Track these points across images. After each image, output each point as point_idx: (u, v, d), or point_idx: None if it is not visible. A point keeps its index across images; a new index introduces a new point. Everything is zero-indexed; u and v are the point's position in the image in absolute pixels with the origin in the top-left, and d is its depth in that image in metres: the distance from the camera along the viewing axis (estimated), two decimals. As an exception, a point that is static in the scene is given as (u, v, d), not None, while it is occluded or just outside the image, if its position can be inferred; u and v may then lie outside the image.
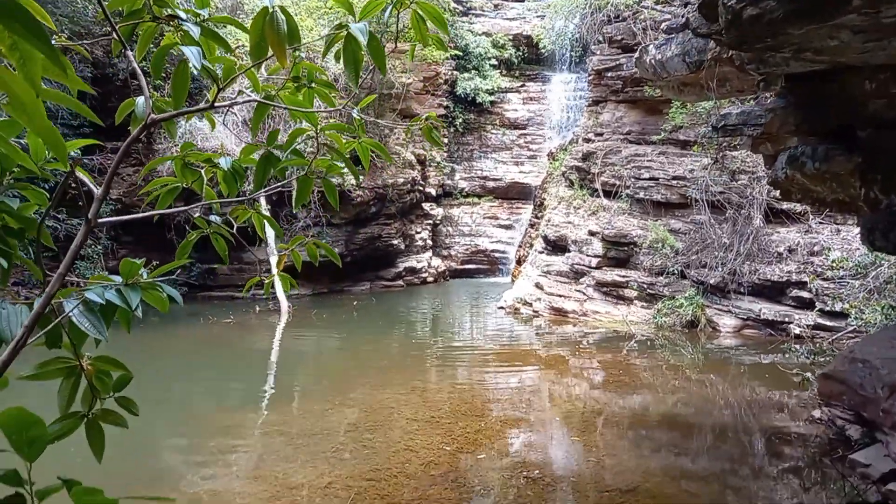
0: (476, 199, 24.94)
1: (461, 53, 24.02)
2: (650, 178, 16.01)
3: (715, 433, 8.69)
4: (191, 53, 1.53)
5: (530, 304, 16.36)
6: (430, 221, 23.37)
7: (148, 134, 17.23)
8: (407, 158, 21.55)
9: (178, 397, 9.93)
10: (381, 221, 20.89)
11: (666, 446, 7.97)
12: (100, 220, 1.54)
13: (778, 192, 6.83)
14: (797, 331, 12.67)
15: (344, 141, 2.17)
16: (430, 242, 23.24)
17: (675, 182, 15.62)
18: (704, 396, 10.41)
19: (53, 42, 1.50)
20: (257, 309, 17.31)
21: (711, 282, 13.93)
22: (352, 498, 6.10)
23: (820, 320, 12.46)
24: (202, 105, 1.75)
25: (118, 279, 1.79)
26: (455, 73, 24.00)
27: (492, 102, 24.62)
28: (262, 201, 15.30)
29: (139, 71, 1.58)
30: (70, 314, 1.64)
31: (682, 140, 16.06)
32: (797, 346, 11.53)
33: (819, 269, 12.73)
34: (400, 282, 21.69)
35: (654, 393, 10.49)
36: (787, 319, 13.01)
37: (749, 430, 8.95)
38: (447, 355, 13.11)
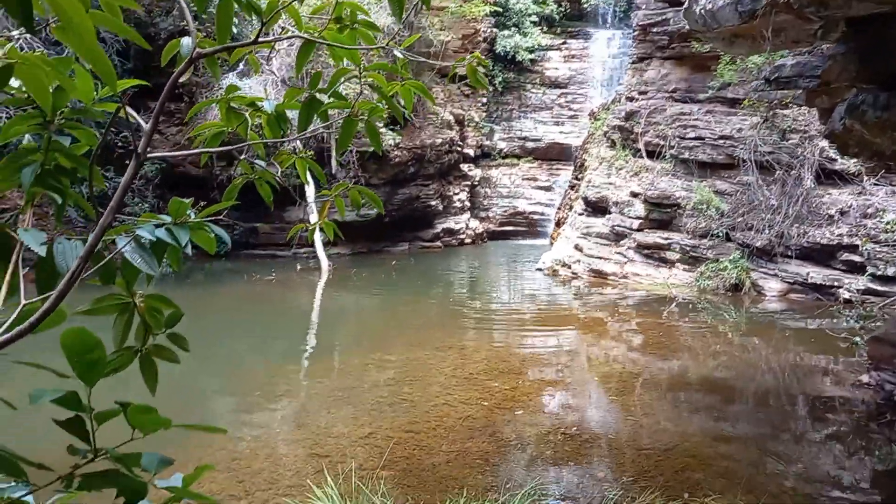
0: (515, 160, 24.61)
1: (501, 10, 23.42)
2: (696, 138, 15.53)
3: (756, 397, 8.58)
4: (235, -14, 1.51)
5: (569, 266, 16.23)
6: (469, 182, 23.23)
7: (190, 94, 17.42)
8: (445, 119, 21.33)
9: (222, 352, 10.23)
10: (420, 182, 20.86)
11: (705, 409, 7.90)
12: (149, 155, 1.56)
13: (834, 147, 6.52)
14: (846, 295, 12.29)
15: (387, 82, 2.13)
16: (468, 204, 23.13)
17: (721, 142, 15.13)
18: (747, 360, 10.25)
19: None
20: (298, 267, 17.62)
21: (758, 244, 13.57)
22: (391, 448, 6.24)
23: (871, 285, 12.04)
24: (247, 41, 1.74)
25: (167, 218, 1.82)
26: (494, 30, 23.46)
27: (532, 61, 24.04)
28: (299, 144, 15.40)
29: (185, 7, 1.57)
30: (122, 250, 1.68)
31: (731, 98, 15.48)
32: (846, 311, 11.21)
33: (872, 233, 12.26)
34: (438, 243, 21.73)
35: (695, 356, 10.37)
36: (836, 284, 12.62)
37: (792, 395, 8.80)
38: (484, 316, 13.17)
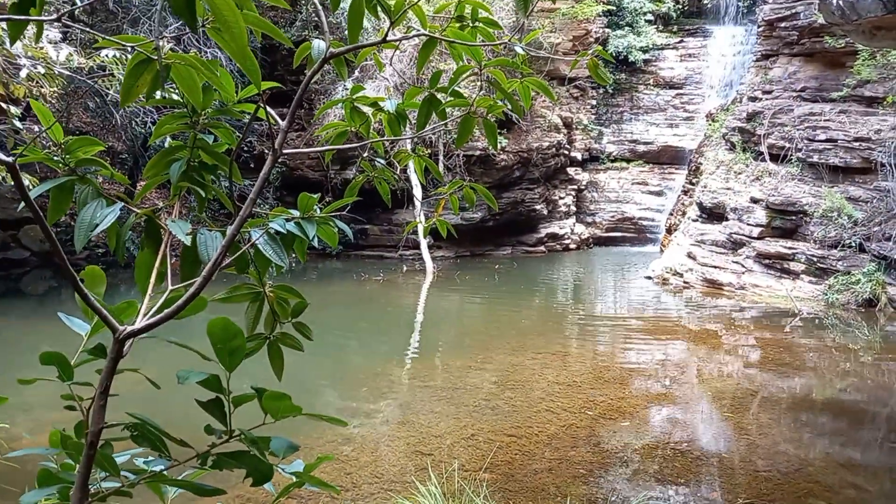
0: (624, 164, 23.88)
1: (614, 9, 22.82)
2: (827, 140, 14.38)
3: (891, 424, 7.80)
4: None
5: (681, 275, 15.52)
6: (575, 186, 22.80)
7: (309, 101, 18.32)
8: (553, 121, 21.07)
9: (332, 348, 10.62)
10: (525, 186, 20.73)
11: (830, 434, 7.28)
12: (284, 151, 1.64)
13: None
14: None
15: (507, 78, 2.13)
16: (573, 208, 22.72)
17: (857, 144, 13.91)
18: (880, 383, 9.36)
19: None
20: (404, 269, 18.03)
21: (896, 257, 12.35)
22: (494, 451, 6.23)
23: None
24: (375, 40, 1.79)
25: (296, 213, 1.92)
26: (607, 30, 22.88)
27: (645, 61, 23.24)
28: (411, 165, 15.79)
29: (320, 7, 1.64)
30: (256, 242, 1.79)
31: (869, 97, 14.22)
32: None
33: None
34: (541, 248, 21.49)
35: (820, 376, 9.60)
36: None
37: (935, 423, 7.93)
38: (589, 323, 12.86)
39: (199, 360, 1.50)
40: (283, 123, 1.63)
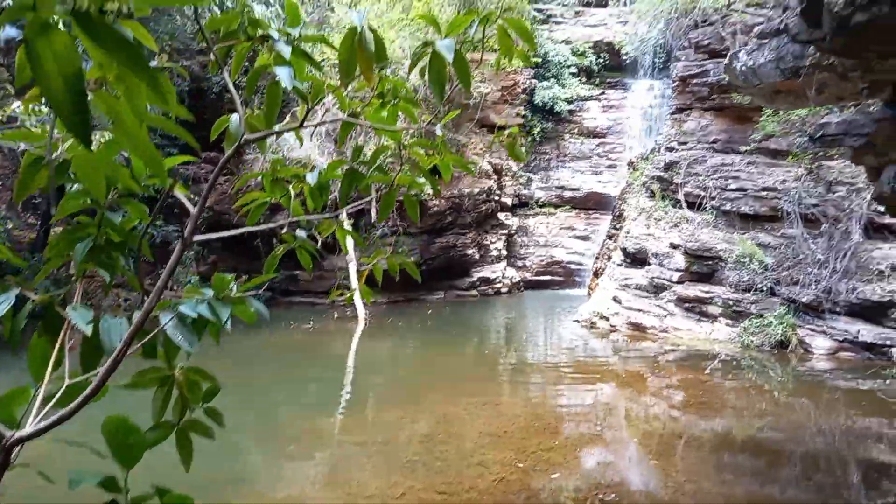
0: (552, 209, 24.59)
1: (540, 61, 23.81)
2: (737, 189, 15.30)
3: (806, 462, 8.16)
4: (283, 74, 1.56)
5: (607, 319, 15.95)
6: (506, 231, 23.25)
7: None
8: (484, 168, 21.54)
9: (258, 401, 10.24)
10: (457, 231, 20.98)
11: (751, 473, 7.54)
12: (194, 238, 1.60)
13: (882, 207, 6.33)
14: (901, 355, 11.73)
15: (426, 156, 2.17)
16: (504, 253, 23.11)
17: (764, 193, 14.87)
18: (795, 422, 9.80)
19: (154, 63, 1.57)
20: (336, 315, 17.72)
21: (804, 300, 13.12)
22: (424, 509, 6.10)
23: (927, 345, 11.49)
24: (292, 123, 1.79)
25: (209, 292, 1.85)
26: (533, 81, 23.81)
27: (570, 111, 24.26)
28: (344, 214, 15.71)
29: (234, 91, 1.63)
30: (165, 327, 1.71)
31: (773, 149, 15.28)
32: (901, 373, 10.69)
33: (927, 290, 11.75)
34: (474, 292, 21.67)
35: (739, 416, 9.97)
36: (888, 343, 12.06)
37: (844, 460, 8.35)
38: (520, 368, 12.96)
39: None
40: (193, 211, 1.59)
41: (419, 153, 2.06)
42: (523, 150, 24.05)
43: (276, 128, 1.68)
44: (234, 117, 1.90)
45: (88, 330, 1.59)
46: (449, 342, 15.15)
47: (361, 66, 1.59)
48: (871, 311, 12.47)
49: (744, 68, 7.02)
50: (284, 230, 2.06)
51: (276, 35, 1.82)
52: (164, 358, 1.78)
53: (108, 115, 1.02)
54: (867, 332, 12.37)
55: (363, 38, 1.60)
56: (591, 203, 24.23)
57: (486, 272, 22.07)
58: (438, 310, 19.25)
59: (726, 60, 7.48)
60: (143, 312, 1.53)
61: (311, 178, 2.26)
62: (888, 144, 4.64)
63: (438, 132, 2.06)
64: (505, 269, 22.87)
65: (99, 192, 1.39)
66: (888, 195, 4.88)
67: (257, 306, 1.92)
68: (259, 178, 2.29)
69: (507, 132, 2.14)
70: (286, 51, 1.78)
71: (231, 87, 1.63)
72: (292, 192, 2.27)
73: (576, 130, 24.67)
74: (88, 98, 0.98)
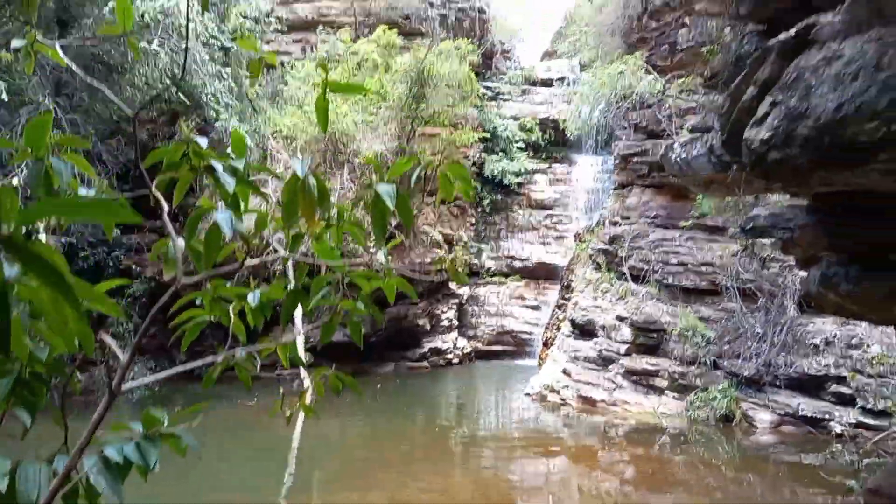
0: (503, 279, 24.86)
1: (489, 136, 24.61)
2: (679, 263, 15.84)
3: (755, 542, 8.19)
4: (223, 222, 1.57)
5: (557, 392, 15.96)
6: (457, 301, 23.30)
7: (185, 213, 17.76)
8: (434, 238, 21.74)
9: (193, 492, 9.67)
10: (408, 301, 20.88)
11: (703, 557, 7.51)
12: (123, 388, 1.55)
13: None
14: (838, 429, 12.05)
15: (369, 281, 2.18)
16: (455, 322, 23.08)
17: (704, 268, 15.43)
18: (742, 497, 9.91)
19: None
20: (281, 390, 17.13)
21: (746, 373, 13.46)
22: None
23: (862, 418, 11.86)
24: (233, 266, 1.79)
25: (138, 427, 1.78)
26: (483, 154, 24.51)
27: (518, 184, 24.98)
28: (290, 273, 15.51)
29: (173, 234, 1.63)
30: (88, 472, 1.63)
31: (710, 226, 15.97)
32: (839, 446, 10.99)
33: (858, 365, 12.24)
34: (425, 363, 21.42)
35: (690, 492, 10.01)
36: (827, 416, 12.42)
37: (792, 539, 8.42)
38: (473, 444, 12.76)
39: None
40: (123, 359, 1.55)
41: (363, 280, 2.08)
42: (472, 220, 24.51)
43: (214, 272, 1.68)
44: (176, 244, 1.89)
45: (3, 484, 1.50)
46: (399, 417, 14.84)
47: (303, 211, 1.62)
48: (809, 385, 12.87)
49: (678, 160, 7.41)
50: (224, 353, 2.03)
51: (219, 167, 1.84)
52: None
53: (36, 303, 1.00)
54: (806, 405, 12.72)
55: (306, 184, 1.63)
56: (541, 273, 24.64)
57: (437, 342, 21.91)
58: (389, 383, 18.91)
59: (662, 151, 7.89)
60: (65, 468, 1.45)
61: (253, 299, 2.25)
62: (811, 251, 4.94)
63: (381, 259, 2.09)
64: (456, 339, 22.78)
65: (22, 355, 1.34)
66: (815, 295, 5.15)
67: (189, 441, 1.86)
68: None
69: (451, 256, 2.19)
70: (230, 183, 1.81)
71: (170, 228, 1.63)
72: (232, 315, 2.25)
73: (524, 202, 25.33)
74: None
